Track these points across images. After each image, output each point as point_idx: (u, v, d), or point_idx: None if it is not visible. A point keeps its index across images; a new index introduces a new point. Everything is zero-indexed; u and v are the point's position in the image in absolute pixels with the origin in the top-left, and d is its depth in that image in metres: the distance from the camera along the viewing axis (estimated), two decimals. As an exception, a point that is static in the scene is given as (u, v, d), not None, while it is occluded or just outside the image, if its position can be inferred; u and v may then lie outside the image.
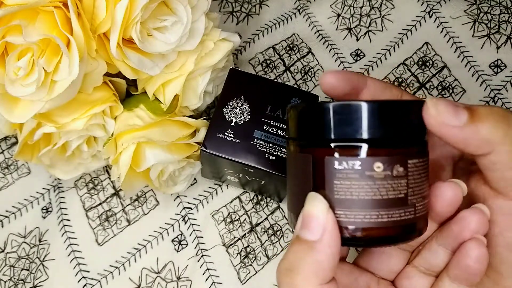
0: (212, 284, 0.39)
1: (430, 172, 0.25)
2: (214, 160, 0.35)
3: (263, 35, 0.47)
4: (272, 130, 0.35)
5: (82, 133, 0.36)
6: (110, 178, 0.42)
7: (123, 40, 0.32)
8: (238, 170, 0.36)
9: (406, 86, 0.45)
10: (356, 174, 0.22)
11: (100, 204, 0.42)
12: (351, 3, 0.48)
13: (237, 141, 0.34)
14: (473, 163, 0.24)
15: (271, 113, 0.35)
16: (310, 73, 0.46)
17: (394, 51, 0.47)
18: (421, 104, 0.23)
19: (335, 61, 0.46)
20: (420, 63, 0.46)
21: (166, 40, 0.34)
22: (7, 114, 0.31)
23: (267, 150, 0.34)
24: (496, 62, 0.46)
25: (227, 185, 0.42)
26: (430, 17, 0.47)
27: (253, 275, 0.39)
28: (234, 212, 0.41)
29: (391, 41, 0.47)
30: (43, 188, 0.42)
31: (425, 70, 0.46)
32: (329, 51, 0.46)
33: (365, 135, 0.22)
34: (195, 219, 0.41)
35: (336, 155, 0.22)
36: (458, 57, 0.46)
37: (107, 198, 0.42)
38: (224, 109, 0.35)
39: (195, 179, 0.42)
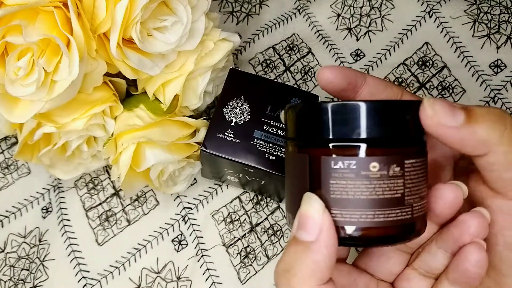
0: (212, 284, 0.39)
1: (431, 171, 0.25)
2: (214, 160, 0.35)
3: (263, 35, 0.47)
4: (272, 130, 0.35)
5: (82, 133, 0.36)
6: (110, 178, 0.42)
7: (123, 40, 0.32)
8: (238, 170, 0.36)
9: (406, 86, 0.45)
10: (352, 173, 0.22)
11: (100, 204, 0.42)
12: (351, 3, 0.48)
13: (237, 141, 0.34)
14: (473, 162, 0.24)
15: (271, 113, 0.35)
16: (310, 73, 0.46)
17: (394, 51, 0.47)
18: (418, 104, 0.23)
19: (335, 61, 0.46)
20: (420, 63, 0.46)
21: (166, 40, 0.34)
22: (7, 114, 0.31)
23: (267, 150, 0.34)
24: (496, 62, 0.46)
25: (227, 185, 0.42)
26: (430, 17, 0.47)
27: (253, 275, 0.39)
28: (234, 212, 0.41)
29: (391, 41, 0.47)
30: (43, 188, 0.42)
31: (425, 70, 0.46)
32: (329, 51, 0.46)
33: (361, 135, 0.22)
34: (195, 219, 0.41)
35: (332, 155, 0.22)
36: (458, 57, 0.46)
37: (107, 198, 0.42)
38: (224, 109, 0.35)
39: (195, 179, 0.42)
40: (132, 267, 0.40)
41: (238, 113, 0.35)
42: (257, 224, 0.41)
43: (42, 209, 0.42)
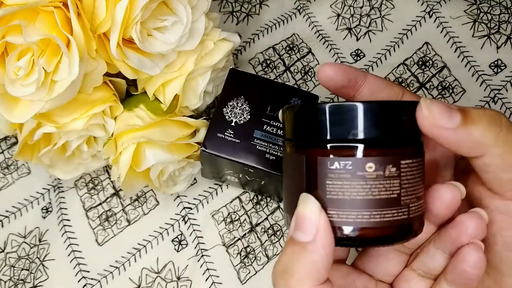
0: (212, 284, 0.39)
1: (431, 171, 0.25)
2: (214, 160, 0.35)
3: (263, 35, 0.47)
4: (272, 130, 0.35)
5: (82, 133, 0.36)
6: (110, 178, 0.42)
7: (123, 40, 0.32)
8: (238, 170, 0.36)
9: (406, 86, 0.45)
10: (348, 174, 0.22)
11: (100, 204, 0.42)
12: (351, 3, 0.48)
13: (237, 141, 0.34)
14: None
15: (271, 113, 0.35)
16: (310, 73, 0.46)
17: (394, 51, 0.47)
18: (415, 105, 0.23)
19: (335, 61, 0.46)
20: (420, 63, 0.46)
21: (166, 40, 0.34)
22: (7, 114, 0.31)
23: (267, 150, 0.34)
24: (496, 62, 0.46)
25: (227, 185, 0.42)
26: (430, 17, 0.47)
27: (253, 275, 0.39)
28: (234, 212, 0.41)
29: (391, 41, 0.47)
30: (43, 188, 0.42)
31: (425, 70, 0.46)
32: (329, 51, 0.46)
33: (357, 135, 0.22)
34: (195, 219, 0.41)
35: (328, 155, 0.22)
36: (458, 57, 0.46)
37: (107, 198, 0.42)
38: (224, 109, 0.35)
39: (195, 179, 0.42)
40: (132, 267, 0.40)
41: (238, 113, 0.35)
42: (257, 224, 0.41)
43: (42, 209, 0.42)
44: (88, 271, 0.40)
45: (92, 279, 0.39)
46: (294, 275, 0.21)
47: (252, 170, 0.35)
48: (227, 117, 0.35)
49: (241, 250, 0.40)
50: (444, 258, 0.25)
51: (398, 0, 0.48)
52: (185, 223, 0.41)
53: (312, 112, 0.23)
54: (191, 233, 0.41)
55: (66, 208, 0.41)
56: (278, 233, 0.41)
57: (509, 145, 0.22)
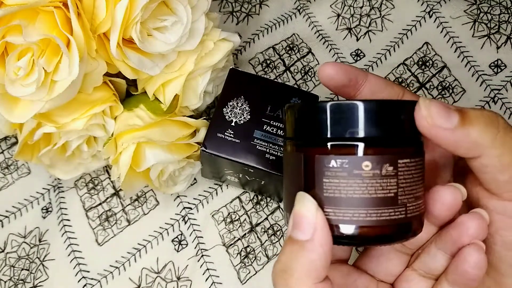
0: (212, 284, 0.39)
1: (431, 171, 0.25)
2: (214, 160, 0.35)
3: (263, 35, 0.47)
4: (272, 130, 0.35)
5: (82, 133, 0.36)
6: (110, 178, 0.42)
7: (123, 40, 0.32)
8: (238, 170, 0.36)
9: (406, 86, 0.45)
10: (345, 172, 0.22)
11: (100, 204, 0.42)
12: (351, 3, 0.48)
13: (237, 141, 0.34)
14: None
15: (271, 113, 0.35)
16: (310, 73, 0.46)
17: (394, 51, 0.47)
18: (413, 104, 0.23)
19: (335, 61, 0.46)
20: (420, 63, 0.46)
21: (166, 40, 0.34)
22: (7, 114, 0.31)
23: (267, 150, 0.34)
24: (496, 62, 0.46)
25: (227, 185, 0.42)
26: (430, 17, 0.47)
27: (253, 275, 0.39)
28: (234, 212, 0.41)
29: (391, 41, 0.47)
30: (43, 188, 0.42)
31: (425, 70, 0.46)
32: (329, 51, 0.46)
33: (354, 134, 0.22)
34: (195, 219, 0.41)
35: (326, 154, 0.22)
36: (458, 57, 0.46)
37: (107, 198, 0.42)
38: (224, 109, 0.35)
39: (195, 179, 0.42)
40: (132, 267, 0.40)
41: (238, 113, 0.35)
42: (257, 224, 0.41)
43: (42, 209, 0.42)
44: (88, 271, 0.40)
45: (92, 279, 0.39)
46: (294, 274, 0.22)
47: (252, 170, 0.35)
48: (227, 117, 0.35)
49: (241, 250, 0.40)
50: (445, 259, 0.25)
51: (398, 0, 0.48)
52: (185, 223, 0.41)
53: (310, 110, 0.23)
54: (191, 233, 0.41)
55: (66, 208, 0.41)
56: (278, 233, 0.41)
57: (506, 147, 0.22)
